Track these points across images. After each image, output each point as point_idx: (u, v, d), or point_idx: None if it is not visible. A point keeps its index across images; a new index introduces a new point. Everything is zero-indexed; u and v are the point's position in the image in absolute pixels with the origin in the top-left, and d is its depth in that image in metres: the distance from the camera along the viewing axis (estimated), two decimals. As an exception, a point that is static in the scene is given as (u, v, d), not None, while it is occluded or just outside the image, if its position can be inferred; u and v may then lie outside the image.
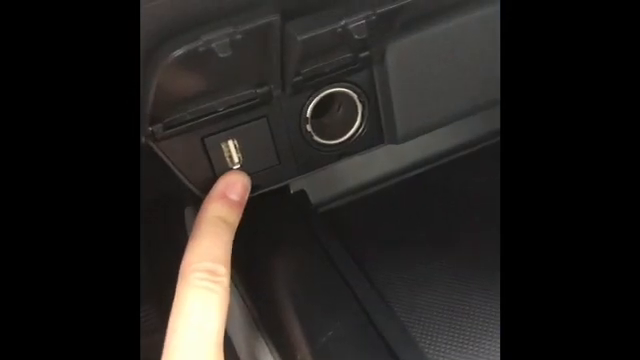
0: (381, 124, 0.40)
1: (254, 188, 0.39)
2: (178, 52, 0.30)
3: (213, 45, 0.30)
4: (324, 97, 0.38)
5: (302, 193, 0.47)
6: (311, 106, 0.38)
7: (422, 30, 0.37)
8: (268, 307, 0.40)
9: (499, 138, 0.53)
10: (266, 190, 0.40)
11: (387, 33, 0.35)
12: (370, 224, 0.48)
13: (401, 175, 0.51)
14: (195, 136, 0.37)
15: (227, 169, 0.38)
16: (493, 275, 0.41)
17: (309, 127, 0.39)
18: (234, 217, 0.36)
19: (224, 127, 0.37)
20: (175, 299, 0.32)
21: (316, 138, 0.39)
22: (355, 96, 0.39)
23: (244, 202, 0.37)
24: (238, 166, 0.38)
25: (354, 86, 0.39)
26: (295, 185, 0.47)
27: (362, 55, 0.36)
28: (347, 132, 0.40)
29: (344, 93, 0.39)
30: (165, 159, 0.36)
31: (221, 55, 0.30)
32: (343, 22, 0.32)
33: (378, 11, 0.32)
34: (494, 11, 0.38)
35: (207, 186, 0.37)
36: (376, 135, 0.41)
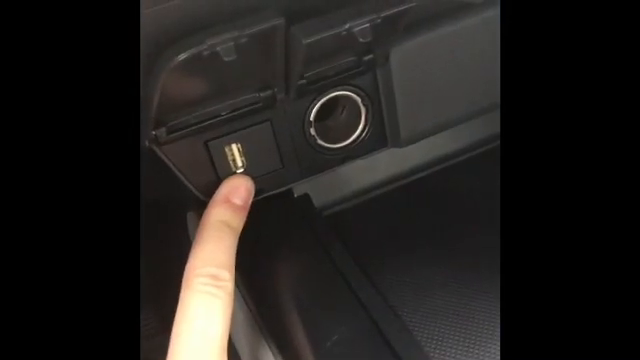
0: (385, 127, 0.40)
1: (258, 192, 0.39)
2: (183, 56, 0.29)
3: (218, 49, 0.30)
4: (328, 100, 0.38)
5: (306, 197, 0.47)
6: (315, 110, 0.38)
7: (426, 33, 0.37)
8: (272, 311, 0.40)
9: (501, 141, 0.53)
10: (270, 194, 0.40)
11: (391, 36, 0.35)
12: (374, 227, 0.48)
13: (405, 178, 0.51)
14: (199, 140, 0.36)
15: (231, 173, 0.38)
16: (497, 278, 0.41)
17: (313, 131, 0.39)
18: (238, 221, 0.36)
19: (228, 131, 0.37)
20: (179, 304, 0.32)
21: (320, 142, 0.39)
22: (359, 99, 0.39)
23: (248, 206, 0.37)
24: (242, 170, 0.38)
25: (358, 89, 0.39)
26: (299, 189, 0.47)
27: (366, 58, 0.36)
28: (351, 135, 0.40)
29: (348, 96, 0.39)
30: (168, 163, 0.36)
31: (226, 59, 0.30)
32: (348, 25, 0.32)
33: (382, 14, 0.32)
34: (496, 14, 0.38)
35: (210, 190, 0.37)
36: (380, 138, 0.41)
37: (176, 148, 0.36)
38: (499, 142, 0.53)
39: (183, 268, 0.33)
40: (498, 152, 0.52)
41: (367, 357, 0.37)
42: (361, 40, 0.32)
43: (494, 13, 0.38)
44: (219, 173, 0.38)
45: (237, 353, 0.45)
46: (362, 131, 0.40)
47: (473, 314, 0.41)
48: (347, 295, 0.40)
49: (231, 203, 0.36)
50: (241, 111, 0.36)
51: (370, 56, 0.37)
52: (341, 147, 0.40)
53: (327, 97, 0.38)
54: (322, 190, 0.48)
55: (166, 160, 0.36)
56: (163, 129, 0.34)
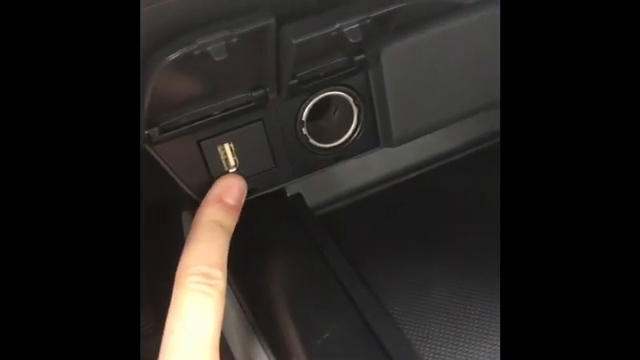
0: (377, 127, 0.41)
1: (250, 191, 0.39)
2: (174, 55, 0.30)
3: (209, 48, 0.30)
4: (320, 100, 0.38)
5: (298, 196, 0.48)
6: (307, 109, 0.38)
7: (417, 33, 0.37)
8: (264, 310, 0.40)
9: (495, 140, 0.53)
10: (262, 193, 0.40)
11: (382, 37, 0.36)
12: (367, 227, 0.48)
13: (398, 178, 0.51)
14: (191, 139, 0.37)
15: (223, 172, 0.38)
16: (490, 278, 0.41)
17: (305, 130, 0.39)
18: (230, 221, 0.36)
19: (220, 130, 0.37)
20: (171, 303, 0.32)
21: (312, 141, 0.40)
22: (351, 99, 0.39)
23: (240, 206, 0.37)
24: (234, 169, 0.38)
25: (350, 89, 0.39)
26: (291, 188, 0.47)
27: (357, 58, 0.37)
28: (343, 135, 0.40)
29: (340, 96, 0.39)
30: (161, 162, 0.36)
31: (217, 58, 0.30)
32: (337, 25, 0.32)
33: (372, 15, 0.32)
34: (488, 14, 0.38)
35: (203, 189, 0.37)
36: (372, 138, 0.41)
37: (169, 148, 0.36)
38: (492, 141, 0.53)
39: (179, 267, 0.33)
40: (491, 151, 0.52)
41: (358, 355, 0.37)
42: (351, 40, 0.32)
43: (485, 13, 0.38)
44: (212, 173, 0.38)
45: (230, 351, 0.45)
46: (354, 131, 0.40)
47: (465, 313, 0.41)
48: (339, 294, 0.40)
49: (224, 203, 0.37)
50: (233, 111, 0.36)
51: (362, 56, 0.37)
52: (333, 147, 0.40)
53: (319, 97, 0.38)
54: (315, 190, 0.48)
55: (159, 160, 0.36)
56: (155, 129, 0.35)
